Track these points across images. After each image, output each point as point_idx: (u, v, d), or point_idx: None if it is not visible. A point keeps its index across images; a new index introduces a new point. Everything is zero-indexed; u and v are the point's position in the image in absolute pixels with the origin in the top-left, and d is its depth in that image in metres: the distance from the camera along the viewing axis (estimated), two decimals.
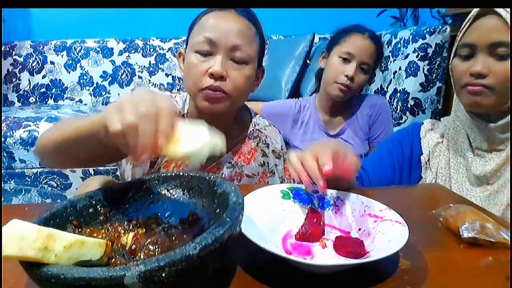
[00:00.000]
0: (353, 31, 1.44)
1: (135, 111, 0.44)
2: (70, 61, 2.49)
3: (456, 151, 0.87)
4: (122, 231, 0.48)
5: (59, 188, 1.79)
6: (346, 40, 1.43)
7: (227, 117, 0.89)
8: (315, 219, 0.55)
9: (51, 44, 2.49)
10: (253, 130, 0.95)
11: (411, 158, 0.93)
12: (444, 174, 0.87)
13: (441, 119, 0.98)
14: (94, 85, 2.50)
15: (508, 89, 0.76)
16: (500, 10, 0.74)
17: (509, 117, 0.78)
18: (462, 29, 0.81)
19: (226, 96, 0.79)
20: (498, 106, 0.78)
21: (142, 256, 0.43)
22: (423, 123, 0.97)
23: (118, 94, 2.51)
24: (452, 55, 0.85)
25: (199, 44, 0.80)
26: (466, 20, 0.80)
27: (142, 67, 2.52)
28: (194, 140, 0.42)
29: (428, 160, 0.91)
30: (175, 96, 0.93)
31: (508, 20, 0.73)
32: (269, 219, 0.55)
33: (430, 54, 1.72)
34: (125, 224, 0.50)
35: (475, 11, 0.78)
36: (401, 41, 1.86)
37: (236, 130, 0.94)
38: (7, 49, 2.45)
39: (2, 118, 1.84)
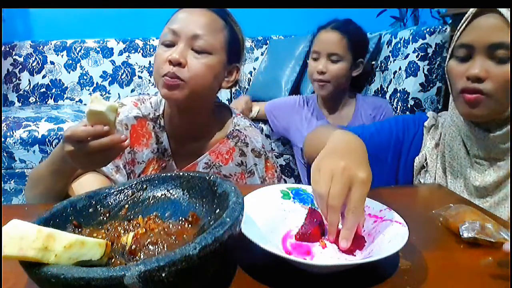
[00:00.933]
0: (319, 30, 1.50)
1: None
2: (70, 61, 2.49)
3: (452, 159, 0.81)
4: (122, 231, 0.48)
5: None
6: (314, 41, 1.50)
7: (197, 111, 0.89)
8: (315, 219, 0.55)
9: (51, 44, 2.49)
10: (232, 130, 0.94)
11: (410, 149, 0.88)
12: (442, 184, 0.83)
13: (439, 114, 0.92)
14: (94, 85, 2.50)
15: (507, 96, 0.69)
16: (500, 9, 0.69)
17: (506, 128, 0.72)
18: (459, 28, 0.75)
19: (183, 84, 0.80)
20: (496, 115, 0.72)
21: (142, 256, 0.43)
22: (427, 117, 0.90)
23: (118, 94, 2.52)
24: (448, 56, 0.79)
25: (164, 35, 0.83)
26: (464, 19, 0.74)
27: (142, 67, 2.52)
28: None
29: (426, 163, 0.86)
30: (149, 98, 0.95)
31: (509, 19, 0.68)
32: (269, 219, 0.55)
33: (430, 54, 1.72)
34: (125, 224, 0.50)
35: (473, 9, 0.73)
36: (401, 41, 1.85)
37: (215, 129, 0.94)
38: (7, 49, 2.45)
39: (2, 118, 1.84)
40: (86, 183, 0.79)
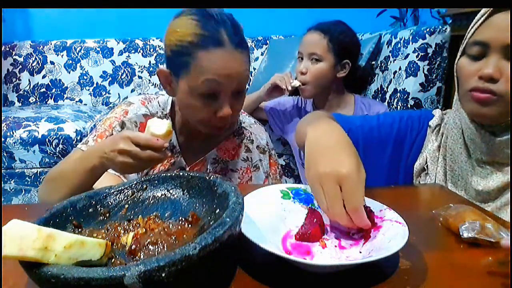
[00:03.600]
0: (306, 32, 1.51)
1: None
2: (70, 61, 2.48)
3: (453, 162, 0.79)
4: (122, 231, 0.48)
5: None
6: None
7: None
8: (315, 219, 0.55)
9: (51, 44, 2.48)
10: (238, 127, 0.98)
11: (411, 150, 0.86)
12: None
13: (445, 111, 0.88)
14: (94, 85, 2.50)
15: None
16: None
17: None
18: (474, 25, 0.70)
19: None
20: (505, 117, 0.69)
21: (142, 256, 0.43)
22: (433, 115, 0.87)
23: (118, 94, 2.51)
24: (459, 53, 0.74)
25: (202, 87, 0.78)
26: (480, 15, 0.69)
27: (142, 67, 2.52)
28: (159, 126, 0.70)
29: (427, 166, 0.84)
30: (156, 98, 0.97)
31: None
32: (269, 219, 0.55)
33: (430, 54, 1.72)
34: (125, 224, 0.50)
35: None
36: (401, 41, 1.85)
37: None
38: (7, 49, 2.45)
39: (2, 118, 1.84)
40: (99, 181, 0.80)
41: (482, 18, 0.69)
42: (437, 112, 0.87)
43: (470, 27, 0.72)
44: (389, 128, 0.88)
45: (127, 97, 2.52)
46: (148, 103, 0.95)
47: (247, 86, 2.76)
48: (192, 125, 0.92)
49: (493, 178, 0.74)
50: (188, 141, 0.95)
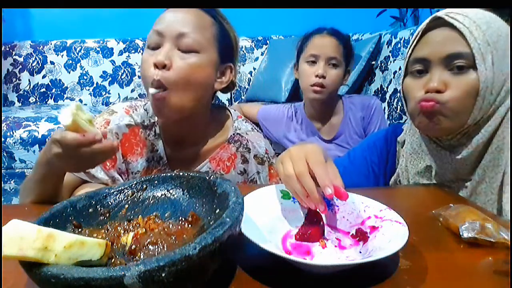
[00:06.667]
0: (312, 34, 1.49)
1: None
2: (70, 61, 2.49)
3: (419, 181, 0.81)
4: (122, 231, 0.48)
5: None
6: (307, 45, 1.48)
7: (193, 118, 0.83)
8: (315, 219, 0.55)
9: (51, 44, 2.49)
10: (233, 134, 0.89)
11: (386, 167, 0.87)
12: None
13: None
14: (94, 85, 2.51)
15: (466, 108, 0.68)
16: (453, 21, 0.67)
17: (472, 147, 0.71)
18: (411, 44, 0.74)
19: (168, 95, 0.74)
20: (458, 127, 0.70)
21: (142, 256, 0.43)
22: (402, 130, 0.87)
23: (118, 94, 2.52)
24: (402, 74, 0.77)
25: (149, 38, 0.78)
26: (415, 35, 0.73)
27: None
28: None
29: (399, 181, 0.84)
30: (144, 104, 0.89)
31: (464, 31, 0.66)
32: (269, 219, 0.55)
33: None
34: (125, 224, 0.50)
35: (424, 24, 0.72)
36: (401, 41, 1.86)
37: (213, 133, 0.89)
38: (7, 49, 2.45)
39: (2, 118, 1.84)
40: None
41: (417, 37, 0.73)
42: (405, 127, 0.87)
43: (408, 46, 0.75)
44: (362, 159, 0.89)
45: (127, 97, 2.52)
46: (133, 111, 0.87)
47: (246, 86, 2.75)
48: (178, 132, 0.85)
49: (461, 193, 0.75)
50: (176, 151, 0.87)
